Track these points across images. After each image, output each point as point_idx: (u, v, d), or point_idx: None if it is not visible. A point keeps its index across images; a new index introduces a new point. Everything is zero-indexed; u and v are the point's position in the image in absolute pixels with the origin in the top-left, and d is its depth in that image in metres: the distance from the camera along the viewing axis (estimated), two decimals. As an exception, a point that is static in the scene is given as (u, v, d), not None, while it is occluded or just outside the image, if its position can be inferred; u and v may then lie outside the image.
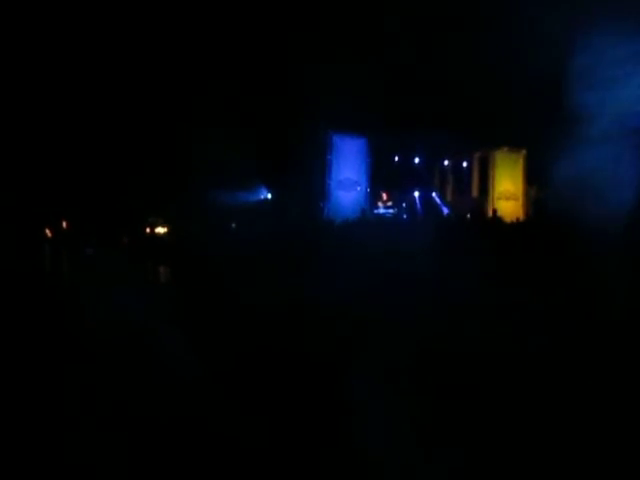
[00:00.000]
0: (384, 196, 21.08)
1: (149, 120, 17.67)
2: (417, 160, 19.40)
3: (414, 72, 14.82)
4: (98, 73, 16.63)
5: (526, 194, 17.96)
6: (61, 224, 16.36)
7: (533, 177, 17.80)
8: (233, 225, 17.43)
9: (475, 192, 18.83)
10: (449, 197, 20.37)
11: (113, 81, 16.93)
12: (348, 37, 14.62)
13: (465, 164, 19.21)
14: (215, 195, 18.00)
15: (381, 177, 19.12)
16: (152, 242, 16.72)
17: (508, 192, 17.55)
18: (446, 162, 20.11)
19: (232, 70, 16.99)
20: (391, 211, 19.38)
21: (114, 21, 15.39)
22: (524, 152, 17.88)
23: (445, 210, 19.00)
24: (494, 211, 12.95)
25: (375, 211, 18.70)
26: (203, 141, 17.55)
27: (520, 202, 17.60)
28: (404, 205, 19.78)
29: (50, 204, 15.69)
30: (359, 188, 17.08)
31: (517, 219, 14.77)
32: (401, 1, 13.60)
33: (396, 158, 19.18)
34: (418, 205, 19.78)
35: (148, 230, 17.86)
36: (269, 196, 20.42)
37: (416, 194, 19.95)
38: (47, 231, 15.36)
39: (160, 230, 17.75)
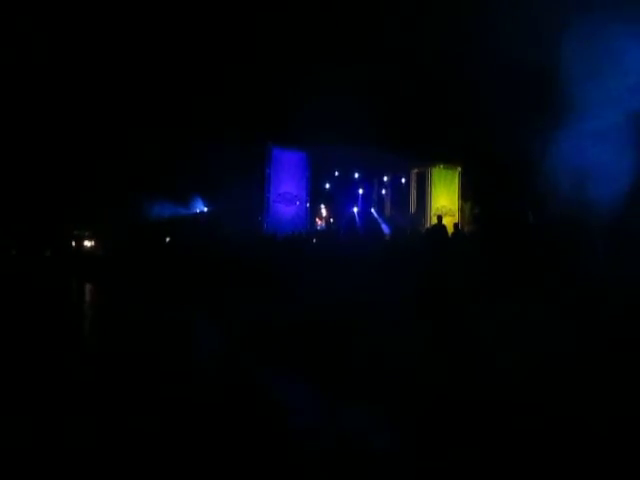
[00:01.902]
0: (323, 212, 20.99)
1: (77, 129, 16.69)
2: (356, 175, 19.44)
3: (353, 87, 14.84)
4: (20, 78, 15.58)
5: (461, 210, 18.39)
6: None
7: (468, 193, 18.27)
8: (167, 239, 16.69)
9: (413, 208, 19.05)
10: (387, 213, 20.54)
11: (39, 88, 15.90)
12: (287, 50, 14.46)
13: (403, 180, 19.43)
14: (148, 208, 17.20)
15: (320, 192, 19.01)
16: (78, 256, 15.64)
17: (445, 208, 17.88)
18: (385, 178, 20.29)
19: (168, 80, 16.40)
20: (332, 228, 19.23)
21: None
22: (459, 169, 18.35)
23: (384, 227, 19.06)
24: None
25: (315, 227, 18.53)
26: (136, 152, 16.79)
27: (455, 218, 17.95)
28: (344, 221, 19.70)
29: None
30: (298, 202, 16.82)
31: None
32: (340, 14, 13.61)
33: (336, 173, 19.09)
34: (357, 221, 19.77)
35: (74, 244, 16.71)
36: (205, 209, 19.77)
37: (355, 210, 19.97)
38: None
39: (87, 244, 16.65)
